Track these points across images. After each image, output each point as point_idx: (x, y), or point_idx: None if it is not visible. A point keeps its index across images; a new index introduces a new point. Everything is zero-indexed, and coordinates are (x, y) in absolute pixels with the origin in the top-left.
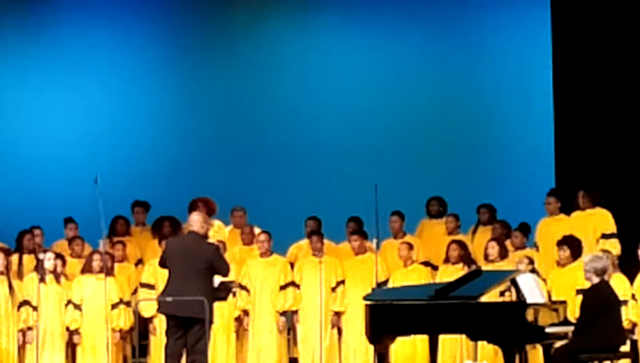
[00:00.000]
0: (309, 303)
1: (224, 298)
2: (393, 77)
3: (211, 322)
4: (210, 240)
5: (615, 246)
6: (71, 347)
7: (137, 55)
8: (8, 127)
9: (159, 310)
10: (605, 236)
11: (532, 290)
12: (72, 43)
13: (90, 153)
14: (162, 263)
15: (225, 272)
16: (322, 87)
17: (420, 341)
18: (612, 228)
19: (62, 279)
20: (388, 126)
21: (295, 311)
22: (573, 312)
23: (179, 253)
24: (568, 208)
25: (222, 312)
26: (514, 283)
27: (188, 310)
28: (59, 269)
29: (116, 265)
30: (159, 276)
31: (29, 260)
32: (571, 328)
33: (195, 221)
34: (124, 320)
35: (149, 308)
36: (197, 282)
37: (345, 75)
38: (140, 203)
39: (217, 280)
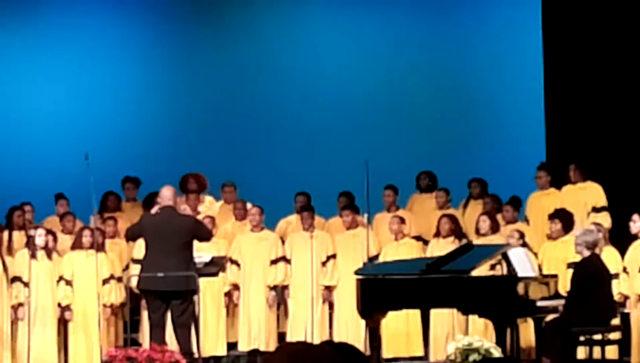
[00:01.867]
0: (300, 277)
1: (215, 274)
2: (383, 53)
3: (194, 294)
4: (201, 215)
5: (606, 220)
6: (63, 323)
7: (127, 33)
8: None
9: (139, 288)
10: (596, 210)
11: (523, 263)
12: (62, 18)
13: (81, 129)
14: (131, 236)
15: (208, 236)
16: (313, 63)
17: (412, 315)
18: (602, 201)
19: (54, 255)
20: (378, 101)
21: (286, 286)
22: (564, 286)
23: (157, 229)
24: (559, 181)
25: (213, 287)
26: (505, 257)
27: (171, 284)
28: (50, 245)
29: (107, 240)
30: None
31: (19, 236)
32: (562, 301)
33: (166, 196)
34: (115, 295)
35: None
36: (178, 256)
37: (336, 52)
38: (130, 179)
39: (208, 255)
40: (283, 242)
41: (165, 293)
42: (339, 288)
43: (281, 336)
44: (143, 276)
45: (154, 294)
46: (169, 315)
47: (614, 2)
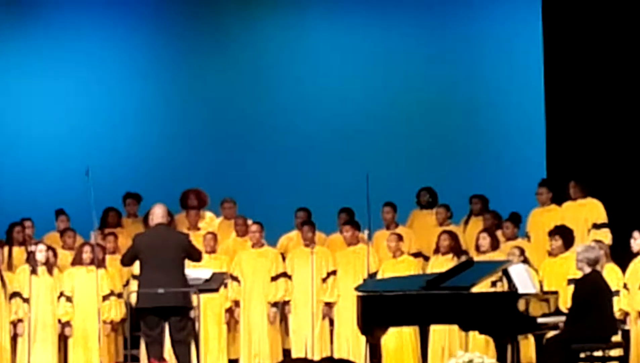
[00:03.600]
0: (300, 293)
1: (216, 290)
2: (384, 68)
3: (190, 309)
4: (201, 231)
5: (606, 236)
6: (63, 339)
7: (127, 47)
8: None
9: (137, 307)
10: (596, 226)
11: (524, 280)
12: (63, 35)
13: (82, 145)
14: (128, 261)
15: (199, 258)
16: (312, 77)
17: (412, 331)
18: (603, 218)
19: (55, 271)
20: (379, 116)
21: (287, 302)
22: (565, 302)
23: (153, 246)
24: (559, 198)
25: (214, 303)
26: (505, 273)
27: (169, 300)
28: (51, 261)
29: (108, 256)
30: None
31: (18, 252)
32: (563, 318)
33: (157, 214)
34: (115, 311)
35: None
36: (175, 271)
37: (336, 66)
38: (131, 195)
39: (208, 271)
40: (284, 258)
41: (163, 309)
42: (339, 304)
43: (284, 352)
44: (140, 295)
45: (151, 311)
46: (166, 331)
47: (615, 16)
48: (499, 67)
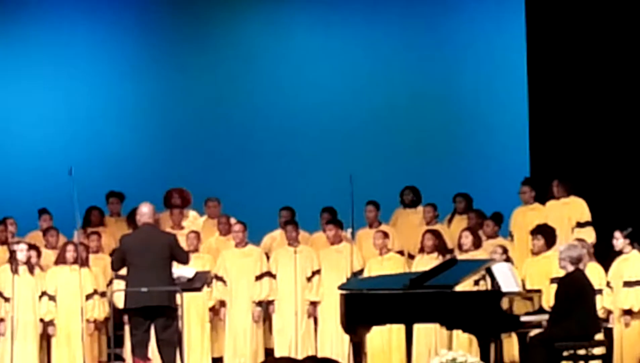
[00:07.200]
0: (284, 292)
1: (199, 289)
2: (368, 68)
3: (176, 310)
4: (185, 230)
5: (590, 235)
6: (46, 338)
7: (112, 46)
8: None
9: (125, 307)
10: (580, 225)
11: (507, 278)
12: (47, 34)
13: (65, 144)
14: (117, 266)
15: (185, 260)
16: (296, 77)
17: (396, 330)
18: (586, 216)
19: (36, 270)
20: (363, 115)
21: (271, 301)
22: (548, 301)
23: (139, 246)
24: (543, 197)
25: (197, 303)
26: (489, 272)
27: (154, 300)
28: (33, 260)
29: (91, 255)
30: None
31: (1, 251)
32: (546, 316)
33: (144, 213)
34: (99, 310)
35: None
36: (161, 271)
37: (320, 66)
38: (115, 194)
39: (192, 270)
40: (268, 257)
41: (148, 309)
42: (323, 303)
43: (268, 352)
44: (126, 295)
45: (138, 311)
46: (152, 331)
47: (599, 14)
48: (482, 66)
